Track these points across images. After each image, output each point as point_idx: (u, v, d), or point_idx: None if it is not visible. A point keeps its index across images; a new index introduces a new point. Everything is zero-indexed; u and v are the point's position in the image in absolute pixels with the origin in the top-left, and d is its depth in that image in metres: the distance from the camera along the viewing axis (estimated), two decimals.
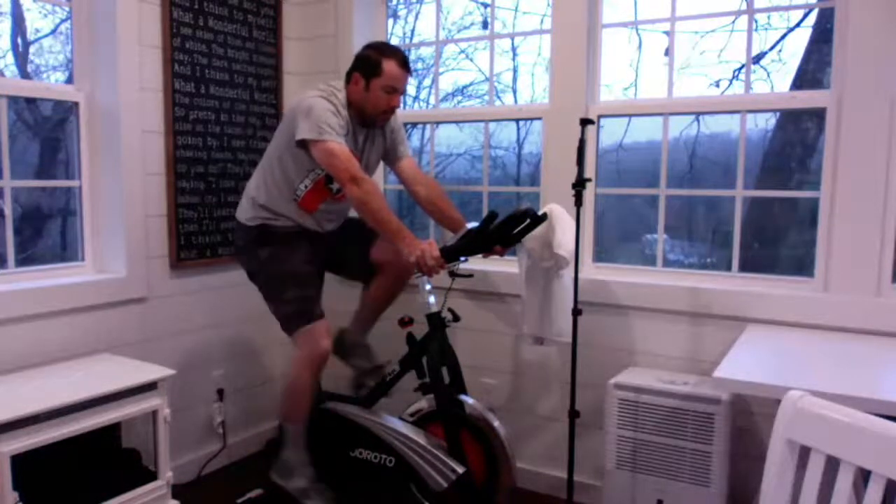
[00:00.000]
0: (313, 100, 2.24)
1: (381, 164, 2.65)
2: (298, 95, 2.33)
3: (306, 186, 2.37)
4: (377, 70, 2.28)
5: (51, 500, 2.06)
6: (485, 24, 3.18)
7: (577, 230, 2.29)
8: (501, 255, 2.38)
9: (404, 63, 2.33)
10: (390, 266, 2.50)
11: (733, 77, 2.68)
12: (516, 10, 3.05)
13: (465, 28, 3.31)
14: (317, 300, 2.41)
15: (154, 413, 2.25)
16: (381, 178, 3.26)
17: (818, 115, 2.46)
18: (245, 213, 2.47)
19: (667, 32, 2.66)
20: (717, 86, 2.70)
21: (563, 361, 2.74)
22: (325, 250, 2.51)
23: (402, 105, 2.46)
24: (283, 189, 2.38)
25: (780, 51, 2.60)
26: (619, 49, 2.78)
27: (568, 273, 2.36)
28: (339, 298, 2.85)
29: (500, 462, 2.33)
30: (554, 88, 2.75)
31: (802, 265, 2.50)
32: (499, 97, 3.17)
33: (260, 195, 2.42)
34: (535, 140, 3.13)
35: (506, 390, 2.92)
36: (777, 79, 2.61)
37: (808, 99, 2.41)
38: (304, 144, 2.24)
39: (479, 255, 2.40)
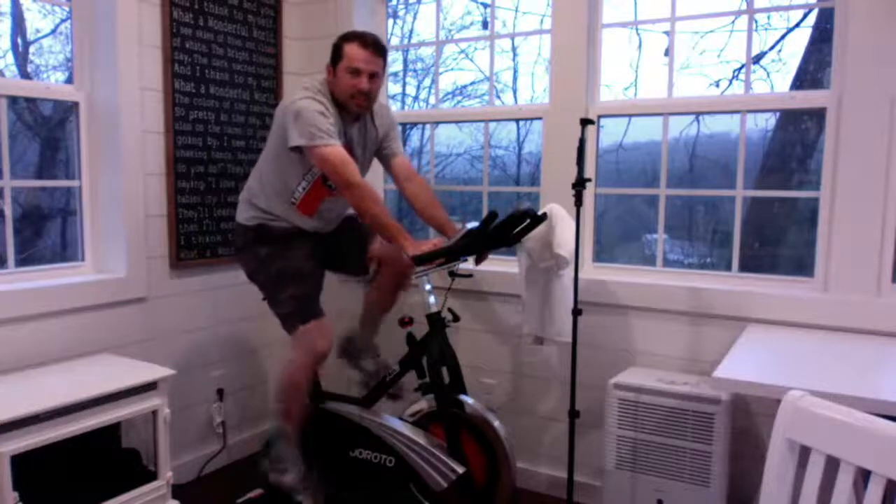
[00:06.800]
0: (301, 102, 2.21)
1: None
2: (287, 96, 2.30)
3: (304, 189, 2.36)
4: (339, 54, 2.28)
5: (51, 500, 2.06)
6: (485, 24, 3.18)
7: (576, 230, 2.29)
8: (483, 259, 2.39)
9: (367, 44, 2.27)
10: (388, 264, 2.49)
11: (733, 77, 2.68)
12: (516, 10, 3.05)
13: (465, 28, 3.31)
14: (316, 299, 2.40)
15: (154, 413, 2.26)
16: (380, 179, 3.26)
17: (818, 115, 2.46)
18: (243, 213, 2.47)
19: (667, 32, 2.66)
20: (717, 86, 2.71)
21: (563, 361, 2.74)
22: (325, 249, 2.51)
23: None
24: (281, 192, 2.37)
25: (780, 51, 2.60)
26: (619, 49, 2.78)
27: (568, 273, 2.36)
28: (340, 298, 2.86)
29: (500, 462, 2.33)
30: (554, 88, 2.75)
31: (802, 265, 2.50)
32: (499, 97, 3.17)
33: (258, 199, 2.41)
34: (535, 140, 3.13)
35: (506, 390, 2.92)
36: (777, 79, 2.61)
37: (808, 99, 2.41)
38: (298, 149, 2.23)
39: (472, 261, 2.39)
